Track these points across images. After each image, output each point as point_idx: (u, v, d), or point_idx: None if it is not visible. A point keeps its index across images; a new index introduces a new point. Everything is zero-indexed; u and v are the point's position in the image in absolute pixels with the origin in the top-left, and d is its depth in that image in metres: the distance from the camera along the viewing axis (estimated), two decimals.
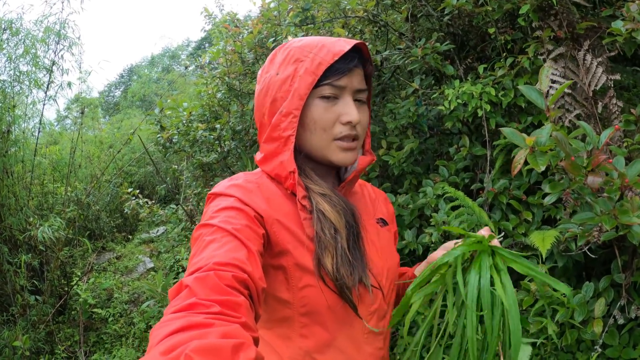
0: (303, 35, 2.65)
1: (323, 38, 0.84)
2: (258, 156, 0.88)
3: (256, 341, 0.56)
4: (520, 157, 1.26)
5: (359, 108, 0.84)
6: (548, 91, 2.03)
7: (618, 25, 1.70)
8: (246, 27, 2.95)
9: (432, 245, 2.24)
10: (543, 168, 1.15)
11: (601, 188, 1.29)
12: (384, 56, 2.66)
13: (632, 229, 1.23)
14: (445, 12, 2.36)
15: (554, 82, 2.03)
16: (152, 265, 4.34)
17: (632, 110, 1.81)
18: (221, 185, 0.81)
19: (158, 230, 4.96)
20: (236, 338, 0.51)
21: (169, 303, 0.59)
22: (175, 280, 3.75)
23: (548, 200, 1.35)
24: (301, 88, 0.79)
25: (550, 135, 1.30)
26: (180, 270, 4.01)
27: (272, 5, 2.75)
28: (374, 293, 0.84)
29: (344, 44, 0.81)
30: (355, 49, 0.83)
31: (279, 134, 0.81)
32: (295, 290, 0.78)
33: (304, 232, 0.79)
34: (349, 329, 0.82)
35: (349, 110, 0.81)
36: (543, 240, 1.90)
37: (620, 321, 1.69)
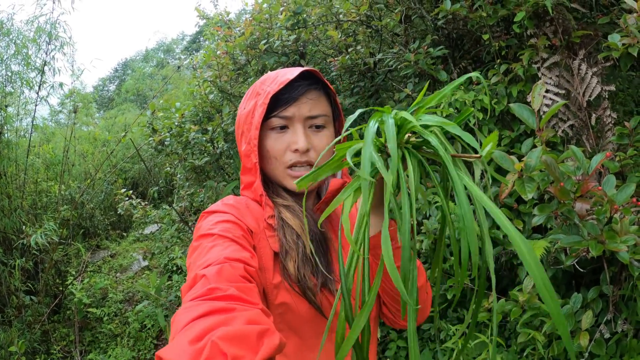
0: (295, 38, 2.62)
1: (281, 70, 0.88)
2: (241, 187, 0.93)
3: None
4: (508, 181, 1.25)
5: (314, 134, 0.87)
6: (542, 101, 2.01)
7: (615, 39, 1.67)
8: (238, 27, 2.90)
9: (423, 251, 2.25)
10: (531, 196, 1.15)
11: (591, 208, 1.28)
12: (377, 58, 2.63)
13: (619, 254, 1.22)
14: (440, 17, 2.33)
15: (547, 91, 2.01)
16: (146, 263, 4.35)
17: (626, 123, 1.79)
18: (214, 205, 0.86)
19: (151, 229, 4.95)
20: (260, 324, 0.53)
21: (185, 295, 0.60)
22: (169, 282, 3.76)
23: (536, 222, 1.34)
24: (256, 119, 0.84)
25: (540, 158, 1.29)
26: (175, 268, 4.02)
27: (264, 6, 2.71)
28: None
29: (292, 72, 0.84)
30: (311, 76, 0.86)
31: (249, 163, 0.87)
32: (272, 307, 0.81)
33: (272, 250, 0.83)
34: (327, 342, 0.84)
35: (296, 139, 0.85)
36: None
37: (606, 335, 1.70)
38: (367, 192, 0.59)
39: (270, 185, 0.90)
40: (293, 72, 0.84)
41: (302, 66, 3.09)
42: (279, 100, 0.84)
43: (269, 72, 0.92)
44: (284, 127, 0.85)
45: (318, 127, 0.88)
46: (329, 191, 0.92)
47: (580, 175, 1.21)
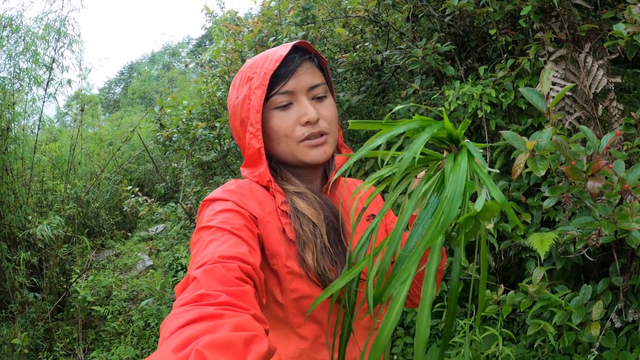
0: (303, 35, 2.65)
1: (268, 51, 0.86)
2: (243, 171, 0.91)
3: (267, 333, 0.56)
4: (520, 161, 1.26)
5: (319, 104, 0.85)
6: (549, 94, 2.02)
7: (619, 28, 1.70)
8: (247, 26, 2.94)
9: None
10: (543, 173, 1.15)
11: (601, 192, 1.29)
12: (384, 56, 2.66)
13: (631, 234, 1.23)
14: (447, 13, 2.36)
15: (554, 84, 2.03)
16: (151, 262, 4.35)
17: (632, 114, 1.80)
18: (215, 192, 0.83)
19: (157, 228, 4.96)
20: (248, 330, 0.51)
21: (177, 298, 0.59)
22: (174, 278, 3.75)
23: (547, 204, 1.35)
24: (255, 102, 0.81)
25: (551, 139, 1.30)
26: (179, 268, 4.01)
27: (272, 4, 2.74)
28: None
29: (283, 49, 0.82)
30: (300, 49, 0.85)
31: (253, 150, 0.84)
32: (287, 293, 0.79)
33: (287, 237, 0.81)
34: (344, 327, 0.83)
35: (305, 110, 0.82)
36: (542, 242, 1.90)
37: (617, 324, 1.69)
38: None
39: (278, 170, 0.87)
40: (284, 48, 0.83)
41: None
42: (277, 77, 0.81)
43: (253, 56, 0.91)
44: (287, 105, 0.83)
45: (320, 97, 0.86)
46: (337, 168, 0.90)
47: (591, 155, 1.22)
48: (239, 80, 0.87)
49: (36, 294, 3.33)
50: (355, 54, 2.63)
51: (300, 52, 0.84)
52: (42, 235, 2.85)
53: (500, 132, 1.28)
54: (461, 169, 0.59)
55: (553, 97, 2.04)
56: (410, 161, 0.63)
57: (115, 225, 5.09)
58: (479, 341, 2.10)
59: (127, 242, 4.99)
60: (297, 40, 0.85)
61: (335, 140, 0.88)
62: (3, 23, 3.19)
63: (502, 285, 2.00)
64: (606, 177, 1.27)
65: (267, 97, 0.82)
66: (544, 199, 1.88)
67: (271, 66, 0.80)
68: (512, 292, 1.96)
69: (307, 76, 0.83)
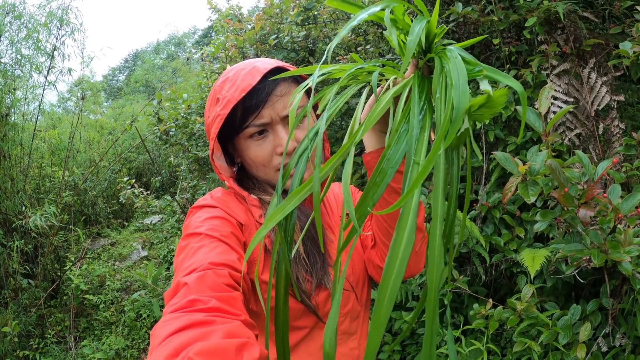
0: (305, 35, 2.61)
1: (242, 69, 0.80)
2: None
3: (257, 338, 0.57)
4: (511, 184, 1.24)
5: (297, 128, 0.81)
6: (549, 108, 1.99)
7: (626, 47, 1.65)
8: (249, 22, 2.91)
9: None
10: (533, 199, 1.13)
11: (595, 217, 1.26)
12: (387, 59, 2.62)
13: (622, 264, 1.20)
14: (451, 19, 2.31)
15: (555, 98, 1.99)
16: (146, 253, 4.35)
17: (634, 134, 1.76)
18: (202, 199, 0.83)
19: (152, 220, 4.96)
20: (239, 337, 0.51)
21: (167, 304, 0.59)
22: (167, 272, 3.76)
23: (538, 228, 1.32)
24: (214, 131, 0.78)
25: (545, 162, 1.27)
26: (173, 261, 4.01)
27: (276, 1, 2.70)
28: (346, 294, 0.86)
29: (255, 76, 0.77)
30: (277, 68, 0.80)
31: (220, 174, 0.85)
32: (261, 302, 0.80)
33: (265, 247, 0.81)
34: (319, 331, 0.83)
35: (280, 142, 0.80)
36: (533, 259, 1.88)
37: (604, 348, 1.67)
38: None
39: (256, 182, 0.86)
40: (254, 74, 0.77)
41: (311, 63, 3.06)
42: (248, 108, 0.78)
43: (228, 67, 0.87)
44: (262, 132, 0.80)
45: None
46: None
47: (585, 182, 1.19)
48: (210, 99, 0.84)
49: (30, 281, 3.35)
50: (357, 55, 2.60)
51: (276, 73, 0.79)
52: (36, 227, 2.85)
53: (493, 153, 1.26)
54: (456, 60, 0.50)
55: (554, 112, 2.00)
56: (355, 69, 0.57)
57: (112, 213, 5.10)
58: (464, 354, 2.08)
59: (123, 231, 5.00)
60: (269, 66, 0.79)
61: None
62: (6, 9, 3.16)
63: (490, 300, 1.98)
64: (598, 203, 1.25)
65: (242, 128, 0.79)
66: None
67: (236, 95, 0.76)
68: (500, 307, 1.95)
69: (281, 103, 0.79)
